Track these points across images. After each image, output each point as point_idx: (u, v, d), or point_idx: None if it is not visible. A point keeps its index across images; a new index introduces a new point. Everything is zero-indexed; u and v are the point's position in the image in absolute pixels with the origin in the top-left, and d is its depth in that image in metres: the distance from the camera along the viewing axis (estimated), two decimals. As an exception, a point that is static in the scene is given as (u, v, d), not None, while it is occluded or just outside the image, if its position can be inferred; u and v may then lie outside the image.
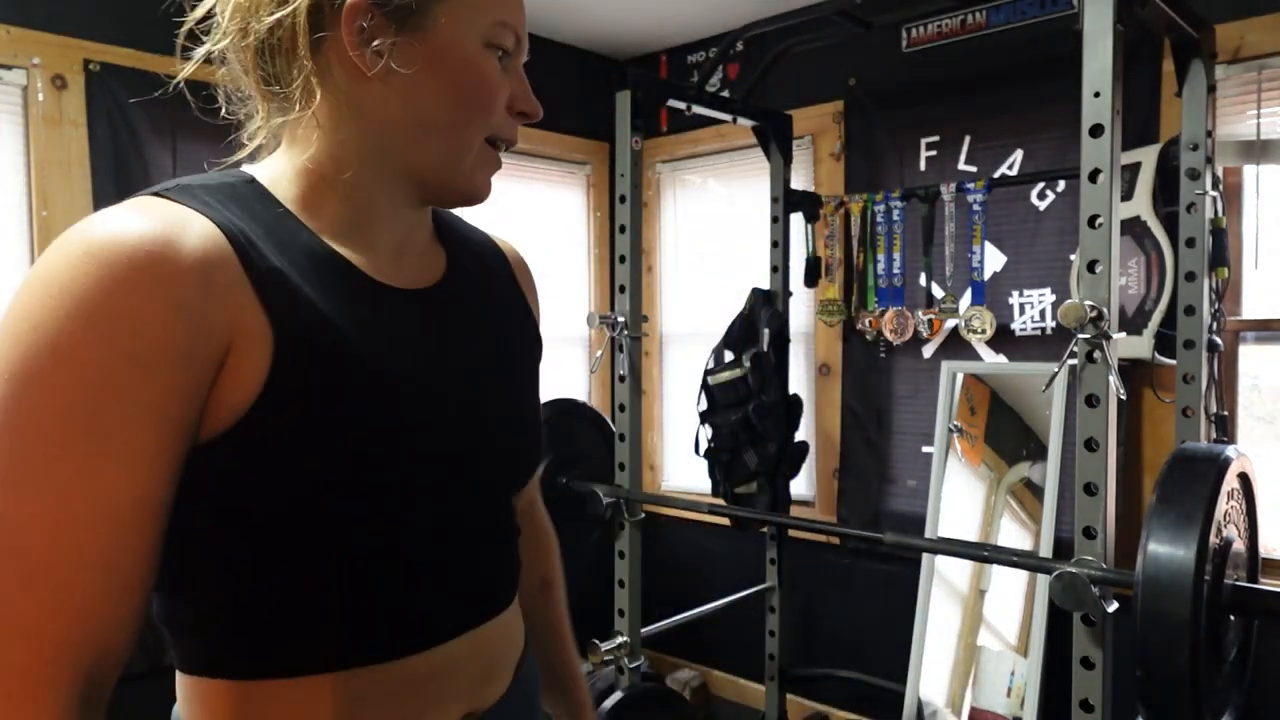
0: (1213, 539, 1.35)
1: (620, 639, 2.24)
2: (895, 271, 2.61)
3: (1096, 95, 1.51)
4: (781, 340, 2.60)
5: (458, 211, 0.87)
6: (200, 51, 0.72)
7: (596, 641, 2.19)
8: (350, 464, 0.63)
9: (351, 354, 0.65)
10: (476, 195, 0.75)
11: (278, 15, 0.65)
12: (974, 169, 2.66)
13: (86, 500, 0.55)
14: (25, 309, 0.55)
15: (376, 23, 0.65)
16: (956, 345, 2.70)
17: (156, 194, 0.62)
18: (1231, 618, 1.47)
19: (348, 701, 0.66)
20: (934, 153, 2.75)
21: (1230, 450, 1.44)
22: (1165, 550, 1.32)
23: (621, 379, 2.26)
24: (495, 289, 0.85)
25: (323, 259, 0.67)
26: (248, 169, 0.72)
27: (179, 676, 0.69)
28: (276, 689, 0.65)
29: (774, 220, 2.66)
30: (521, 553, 0.87)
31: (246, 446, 0.60)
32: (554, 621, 1.01)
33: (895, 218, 2.58)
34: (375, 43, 0.66)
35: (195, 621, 0.66)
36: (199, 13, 0.70)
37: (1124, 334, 1.91)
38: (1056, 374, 1.62)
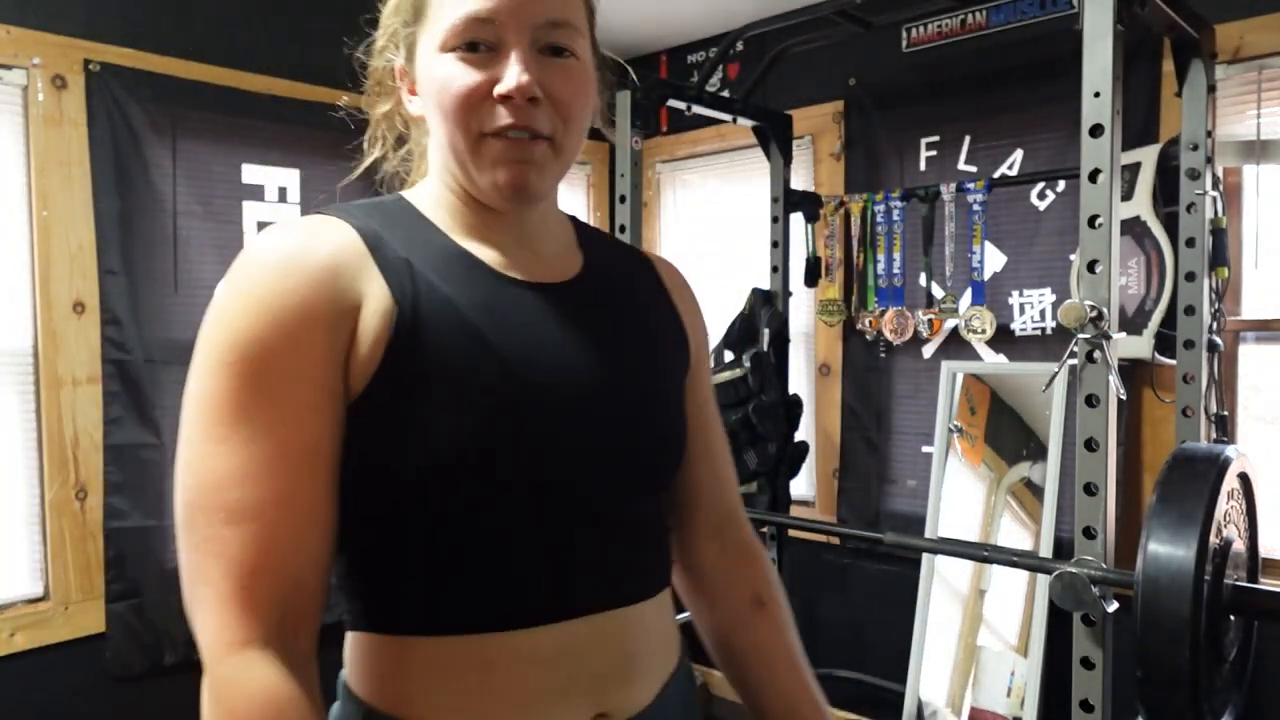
0: (1213, 539, 1.35)
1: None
2: (895, 271, 2.61)
3: (1096, 95, 1.51)
4: (781, 340, 2.60)
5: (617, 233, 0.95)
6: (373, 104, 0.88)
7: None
8: (461, 433, 0.70)
9: (468, 328, 0.73)
10: (503, 191, 0.75)
11: (380, 67, 0.84)
12: (974, 169, 2.66)
13: (266, 451, 0.67)
14: (215, 309, 0.70)
15: (405, 71, 0.81)
16: (956, 345, 2.70)
17: (319, 212, 0.77)
18: (1231, 618, 1.47)
19: (480, 667, 0.72)
20: (934, 153, 2.75)
21: (1230, 450, 1.44)
22: (1165, 550, 1.32)
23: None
24: (635, 292, 0.89)
25: (451, 254, 0.77)
26: (403, 192, 0.84)
27: (346, 634, 0.78)
28: (416, 646, 0.73)
29: (774, 220, 2.66)
30: (721, 573, 0.93)
31: (374, 408, 0.70)
32: (775, 645, 0.93)
33: (895, 218, 2.58)
34: (411, 89, 0.81)
35: (351, 578, 0.75)
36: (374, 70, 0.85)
37: (1124, 334, 1.91)
38: (1056, 374, 1.62)
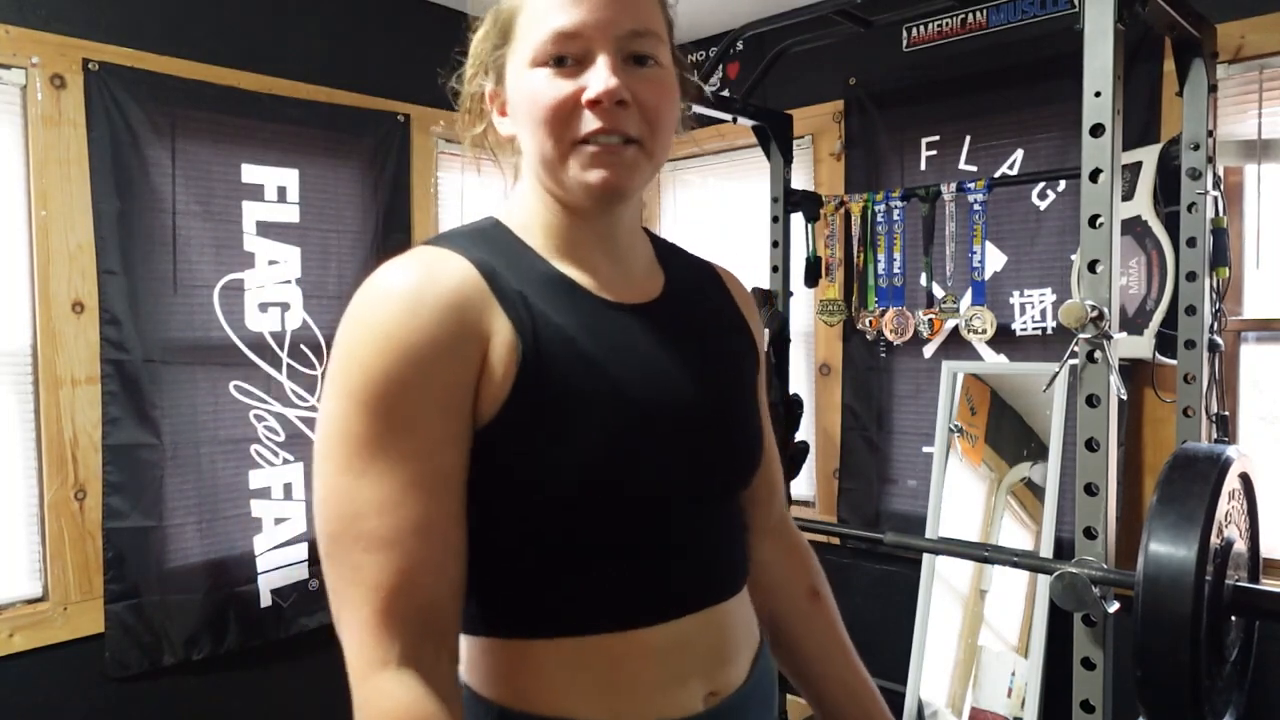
0: (1214, 539, 1.35)
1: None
2: (896, 271, 2.60)
3: (1097, 95, 1.51)
4: (782, 340, 2.60)
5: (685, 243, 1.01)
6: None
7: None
8: (588, 454, 0.75)
9: (583, 356, 0.78)
10: (594, 190, 0.79)
11: (472, 93, 0.89)
12: (974, 169, 2.65)
13: (402, 480, 0.71)
14: (344, 344, 0.74)
15: (495, 92, 0.85)
16: (957, 345, 2.69)
17: (428, 242, 0.81)
18: (1233, 618, 1.46)
19: (609, 663, 0.78)
20: (934, 152, 2.75)
21: (1231, 450, 1.44)
22: (1166, 550, 1.32)
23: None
24: (714, 304, 0.95)
25: (554, 280, 0.81)
26: (496, 212, 0.87)
27: (462, 639, 0.81)
28: (546, 647, 0.78)
29: (774, 220, 2.66)
30: (780, 567, 1.02)
31: (506, 434, 0.75)
32: (832, 631, 1.05)
33: (896, 217, 2.57)
34: (502, 110, 0.86)
35: (474, 586, 0.78)
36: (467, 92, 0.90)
37: (1125, 334, 1.90)
38: (1057, 374, 1.61)
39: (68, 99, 2.27)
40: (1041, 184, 2.53)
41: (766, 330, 2.53)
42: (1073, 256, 2.42)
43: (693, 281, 0.94)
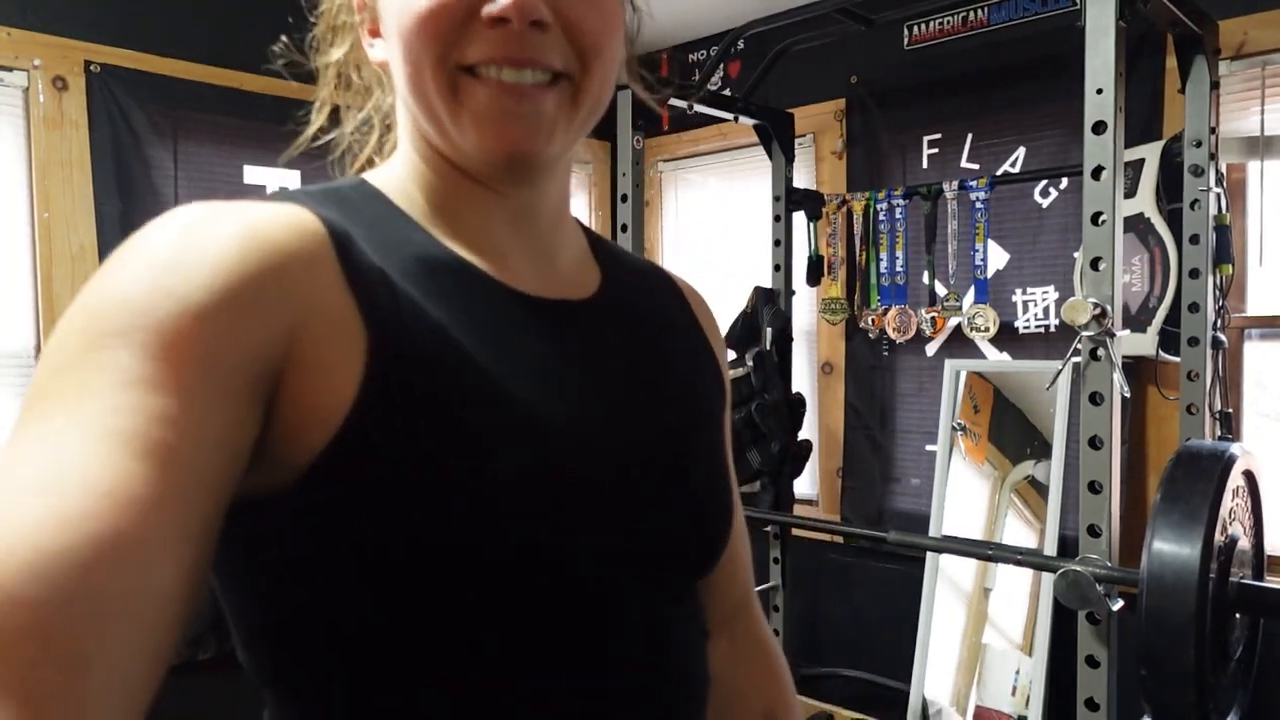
0: (1218, 537, 1.34)
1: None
2: (898, 270, 2.60)
3: (1099, 92, 1.50)
4: (784, 339, 2.60)
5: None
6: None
7: None
8: (475, 518, 0.50)
9: (467, 363, 0.52)
10: (489, 160, 0.55)
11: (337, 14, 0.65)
12: (976, 166, 2.65)
13: (100, 428, 0.43)
14: (112, 270, 0.50)
15: (365, 4, 0.60)
16: (960, 343, 2.69)
17: (273, 197, 0.57)
18: (1237, 616, 1.46)
19: None
20: (936, 150, 2.75)
21: (1235, 448, 1.43)
22: (1170, 548, 1.32)
23: (624, 378, 2.25)
24: (664, 319, 0.69)
25: (437, 260, 0.56)
26: (365, 174, 0.62)
27: None
28: None
29: (776, 219, 2.66)
30: (733, 678, 0.72)
31: (341, 478, 0.48)
32: None
33: (898, 216, 2.57)
34: (373, 27, 0.59)
35: (283, 684, 0.56)
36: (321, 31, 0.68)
37: (1128, 331, 1.90)
38: (1060, 372, 1.61)
39: (70, 101, 2.28)
40: (1044, 181, 2.53)
41: (769, 329, 2.53)
42: (1075, 254, 2.42)
43: (639, 286, 0.69)
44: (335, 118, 0.70)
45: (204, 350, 0.45)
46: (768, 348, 2.51)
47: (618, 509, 0.56)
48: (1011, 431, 2.58)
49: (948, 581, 2.63)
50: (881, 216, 2.60)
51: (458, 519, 0.49)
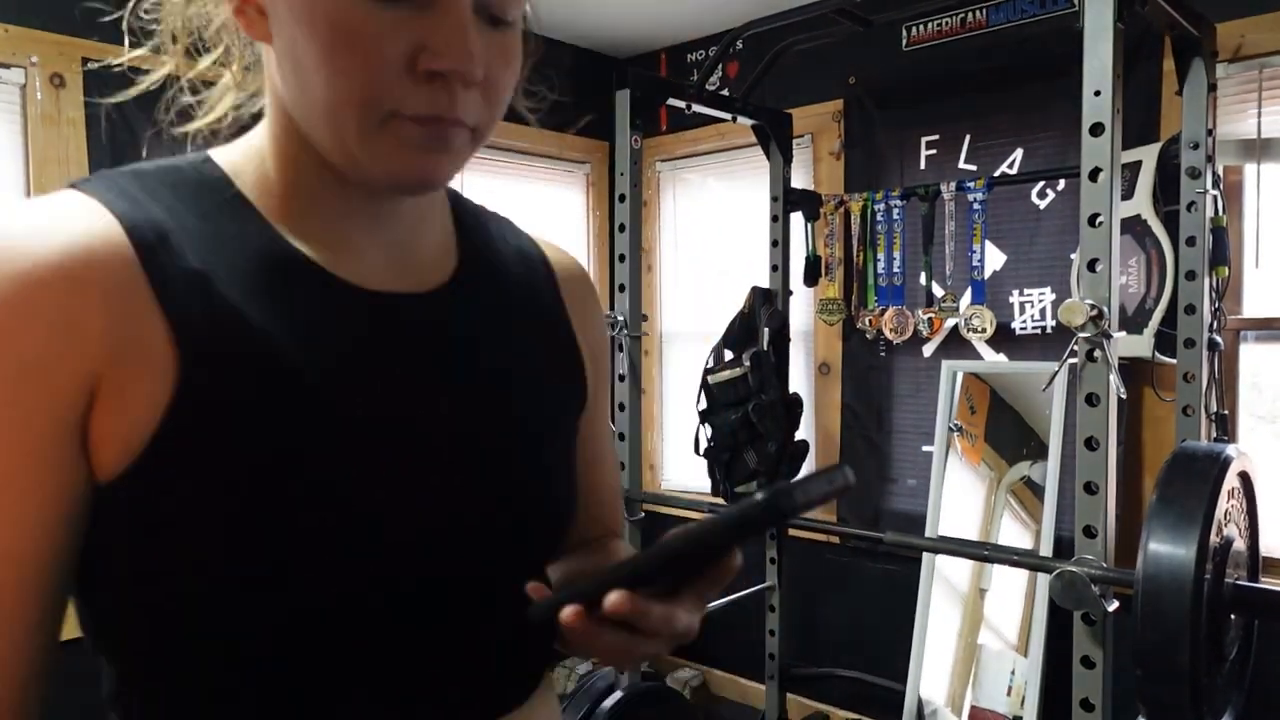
0: (1213, 538, 1.35)
1: (620, 638, 2.24)
2: (895, 270, 2.60)
3: (1097, 94, 1.51)
4: (781, 339, 2.60)
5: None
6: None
7: None
8: (273, 515, 0.50)
9: (284, 371, 0.52)
10: (398, 183, 0.55)
11: None
12: (974, 168, 2.65)
13: None
14: None
15: None
16: (957, 344, 2.70)
17: (74, 184, 0.53)
18: (1232, 617, 1.46)
19: None
20: (934, 151, 2.75)
21: (1231, 449, 1.44)
22: (1166, 549, 1.32)
23: (621, 378, 2.25)
24: (522, 305, 0.67)
25: (271, 256, 0.55)
26: (214, 150, 0.60)
27: None
28: None
29: (774, 219, 2.66)
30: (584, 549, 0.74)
31: (147, 495, 0.49)
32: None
33: (895, 216, 2.57)
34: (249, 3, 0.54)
35: (124, 706, 0.58)
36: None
37: (1124, 333, 1.90)
38: (1057, 373, 1.61)
39: (67, 98, 2.27)
40: (1041, 183, 2.53)
41: (766, 329, 2.53)
42: (1072, 255, 2.42)
43: (502, 268, 0.67)
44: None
45: (9, 422, 0.47)
46: (765, 348, 2.51)
47: (408, 479, 0.55)
48: (1008, 432, 2.59)
49: (943, 582, 2.63)
50: (879, 217, 2.60)
51: (255, 528, 0.50)
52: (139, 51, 0.66)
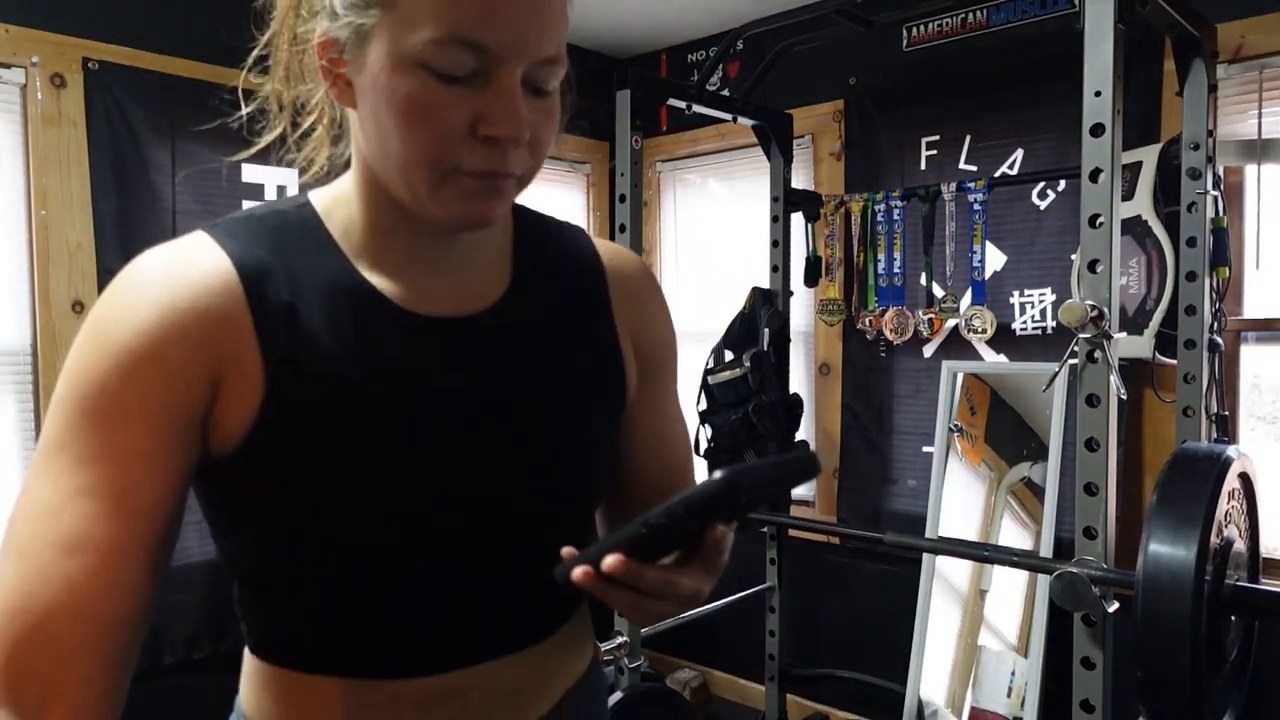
0: (1213, 539, 1.35)
1: (620, 639, 2.24)
2: (896, 271, 2.60)
3: (1097, 94, 1.51)
4: (781, 340, 2.60)
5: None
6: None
7: (597, 642, 2.19)
8: (340, 503, 0.65)
9: (345, 381, 0.66)
10: (463, 222, 0.67)
11: (294, 28, 0.71)
12: (974, 168, 2.65)
13: (71, 486, 0.61)
14: (76, 340, 0.65)
15: (339, 56, 0.65)
16: (957, 345, 2.69)
17: (206, 227, 0.69)
18: (1232, 618, 1.46)
19: (357, 707, 0.70)
20: (934, 152, 2.75)
21: (1231, 450, 1.44)
22: (1166, 550, 1.32)
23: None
24: (570, 308, 0.78)
25: (347, 289, 0.69)
26: (313, 193, 0.74)
27: (245, 658, 0.76)
28: (295, 679, 0.71)
29: (774, 219, 2.66)
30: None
31: (246, 472, 0.65)
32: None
33: (895, 217, 2.57)
34: (340, 74, 0.66)
35: (242, 605, 0.73)
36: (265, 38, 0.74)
37: (1124, 334, 1.90)
38: (1057, 374, 1.61)
39: (68, 98, 2.27)
40: (1041, 184, 2.53)
41: (766, 330, 2.53)
42: (1073, 256, 2.42)
43: (554, 279, 0.79)
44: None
45: (140, 408, 0.62)
46: (765, 348, 2.51)
47: (451, 478, 0.69)
48: (1008, 433, 2.59)
49: (944, 583, 2.63)
50: (879, 218, 2.60)
51: (315, 516, 0.65)
52: (246, 109, 0.80)
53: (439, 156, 0.63)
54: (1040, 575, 2.34)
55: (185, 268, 0.65)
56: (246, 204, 2.59)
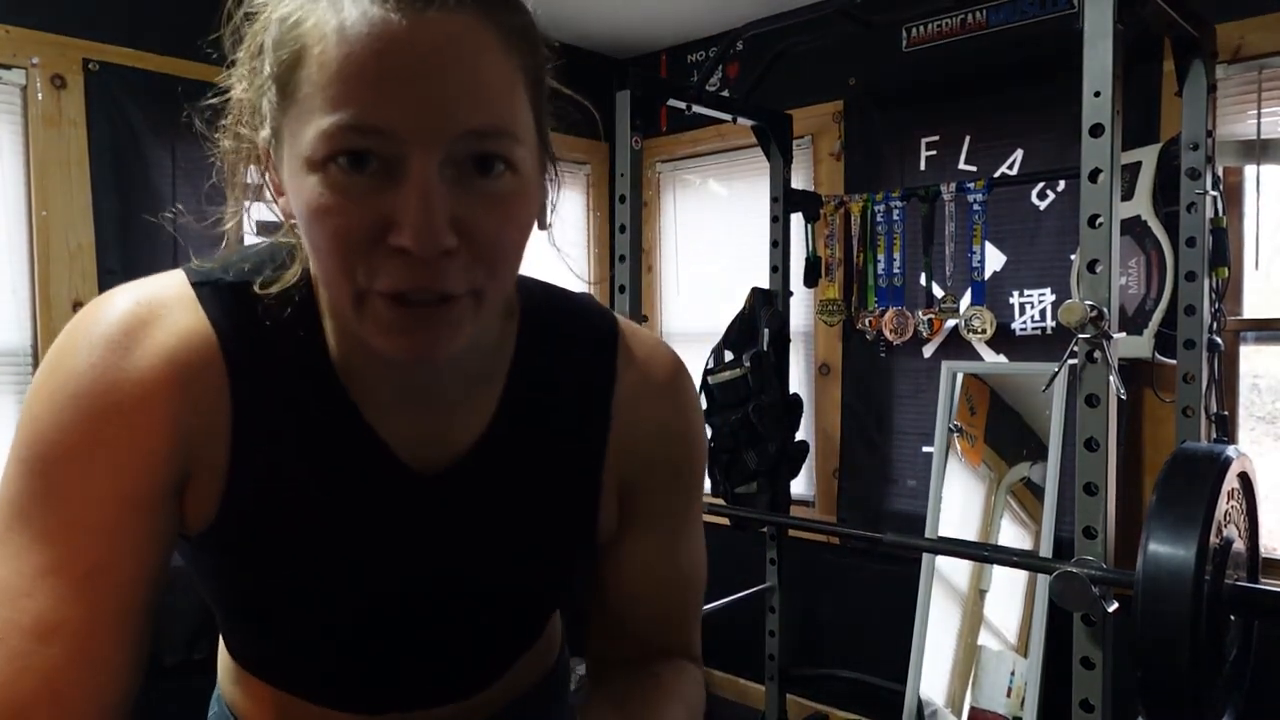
0: (1213, 539, 1.35)
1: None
2: (895, 271, 2.60)
3: (1097, 95, 1.51)
4: (781, 340, 2.60)
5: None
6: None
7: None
8: (280, 625, 0.67)
9: (300, 527, 0.63)
10: (397, 357, 0.55)
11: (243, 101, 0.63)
12: (974, 169, 2.65)
13: (36, 564, 0.57)
14: (32, 383, 0.59)
15: (271, 163, 0.59)
16: (957, 345, 2.70)
17: (196, 277, 0.62)
18: (1232, 618, 1.47)
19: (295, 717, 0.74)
20: (934, 152, 2.75)
21: (1230, 450, 1.44)
22: (1165, 550, 1.32)
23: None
24: (552, 461, 0.68)
25: (328, 411, 0.62)
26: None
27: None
28: (262, 687, 0.75)
29: (774, 220, 2.66)
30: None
31: (204, 553, 0.64)
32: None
33: (895, 217, 2.57)
34: (276, 183, 0.59)
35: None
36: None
37: (1124, 334, 1.90)
38: (1057, 374, 1.61)
39: (68, 99, 2.27)
40: (1041, 184, 2.54)
41: (766, 330, 2.53)
42: (1072, 256, 2.42)
43: (547, 411, 0.68)
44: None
45: (111, 481, 0.57)
46: (765, 349, 2.51)
47: (399, 644, 0.69)
48: (1008, 433, 2.59)
49: (943, 583, 2.63)
50: (879, 218, 2.61)
51: (266, 626, 0.68)
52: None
53: (347, 271, 0.52)
54: (1040, 575, 2.34)
55: (167, 332, 0.58)
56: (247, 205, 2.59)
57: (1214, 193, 1.97)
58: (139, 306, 0.59)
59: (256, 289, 0.60)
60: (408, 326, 0.53)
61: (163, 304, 0.59)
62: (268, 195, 0.60)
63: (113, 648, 0.57)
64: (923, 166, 2.77)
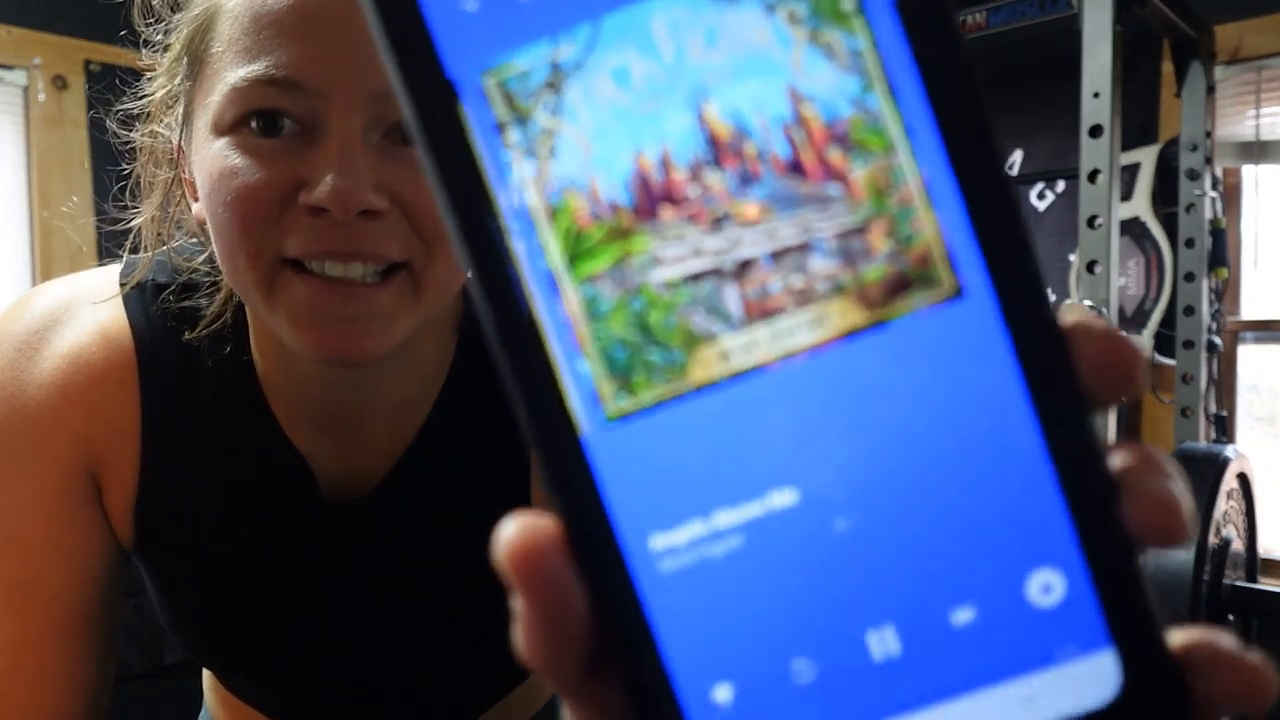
0: (1211, 539, 1.35)
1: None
2: (895, 272, 2.61)
3: (1096, 96, 1.51)
4: (781, 340, 2.60)
5: None
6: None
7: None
8: (208, 650, 0.62)
9: (210, 552, 0.57)
10: (312, 354, 0.46)
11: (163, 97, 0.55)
12: (973, 169, 2.66)
13: None
14: None
15: (182, 146, 0.52)
16: (956, 345, 2.70)
17: (124, 279, 0.55)
18: (1230, 617, 1.47)
19: None
20: (934, 153, 2.75)
21: (1229, 450, 1.44)
22: (1164, 550, 1.33)
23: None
24: (477, 484, 0.60)
25: (236, 410, 0.55)
26: None
27: None
28: (219, 685, 0.70)
29: (774, 220, 2.66)
30: None
31: (143, 569, 0.60)
32: None
33: (895, 218, 2.58)
34: (186, 178, 0.52)
35: None
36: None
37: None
38: (1055, 374, 1.61)
39: (69, 99, 2.28)
40: (1040, 184, 2.54)
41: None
42: (1071, 257, 2.43)
43: (474, 424, 0.58)
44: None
45: (29, 491, 0.53)
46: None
47: (332, 677, 0.62)
48: (1007, 433, 2.59)
49: (943, 583, 2.64)
50: (879, 219, 2.61)
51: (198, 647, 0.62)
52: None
53: (257, 243, 0.44)
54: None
55: (78, 330, 0.53)
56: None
57: (1213, 193, 1.97)
58: (56, 304, 0.54)
59: (179, 296, 0.55)
60: (325, 312, 0.44)
61: (81, 302, 0.54)
62: (180, 197, 0.54)
63: (55, 660, 0.54)
64: (922, 167, 2.77)
